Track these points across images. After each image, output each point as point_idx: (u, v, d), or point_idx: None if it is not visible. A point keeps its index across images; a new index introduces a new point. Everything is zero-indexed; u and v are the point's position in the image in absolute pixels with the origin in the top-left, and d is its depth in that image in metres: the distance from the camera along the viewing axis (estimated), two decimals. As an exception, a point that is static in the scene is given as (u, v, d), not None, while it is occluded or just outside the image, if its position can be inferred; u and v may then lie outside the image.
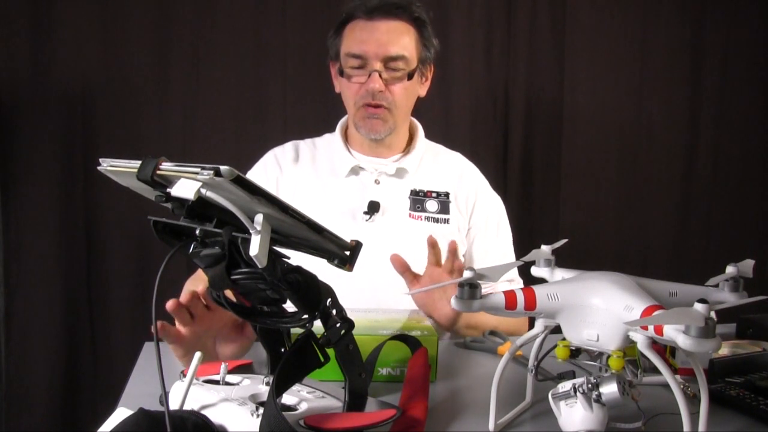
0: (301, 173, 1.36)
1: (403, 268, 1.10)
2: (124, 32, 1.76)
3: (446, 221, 1.33)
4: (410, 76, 1.28)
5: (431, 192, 1.34)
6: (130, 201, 1.57)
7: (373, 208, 1.29)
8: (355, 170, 1.34)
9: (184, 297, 0.83)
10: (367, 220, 1.29)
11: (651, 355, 0.64)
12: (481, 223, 1.37)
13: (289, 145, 1.41)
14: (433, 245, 1.09)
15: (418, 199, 1.33)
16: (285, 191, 1.34)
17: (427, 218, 1.32)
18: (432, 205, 1.33)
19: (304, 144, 1.42)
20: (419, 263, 1.17)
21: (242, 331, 0.92)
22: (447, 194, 1.35)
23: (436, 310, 1.11)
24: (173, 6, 1.78)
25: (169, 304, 0.81)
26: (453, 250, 1.08)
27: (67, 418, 1.79)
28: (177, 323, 0.84)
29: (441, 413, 0.80)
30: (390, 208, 1.31)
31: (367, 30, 1.25)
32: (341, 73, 1.29)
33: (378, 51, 1.24)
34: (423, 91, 1.36)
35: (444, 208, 1.34)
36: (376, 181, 1.34)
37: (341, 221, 1.27)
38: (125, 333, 1.79)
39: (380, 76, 1.24)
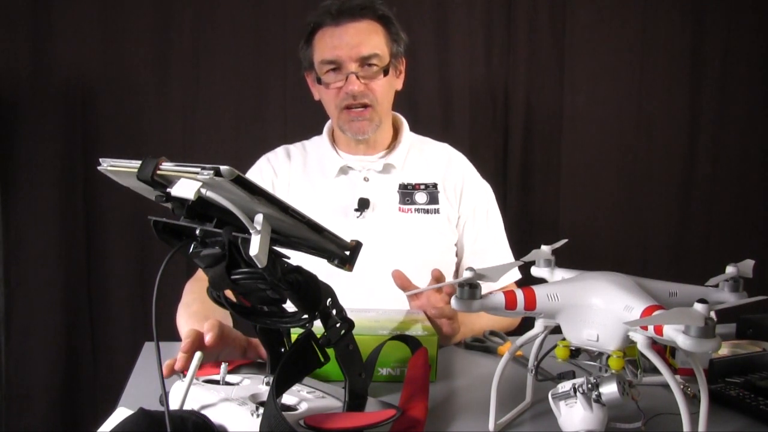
0: (294, 176, 1.40)
1: (404, 284, 1.08)
2: (124, 32, 1.76)
3: (436, 211, 1.35)
4: (386, 72, 1.31)
5: (419, 184, 1.37)
6: (130, 201, 1.58)
7: (364, 204, 1.32)
8: (344, 170, 1.37)
9: (185, 345, 0.81)
10: (358, 217, 1.32)
11: (651, 355, 0.64)
12: (469, 210, 1.39)
13: (280, 150, 1.45)
14: (437, 279, 1.07)
15: (406, 193, 1.35)
16: (280, 193, 1.36)
17: (417, 210, 1.35)
18: (421, 197, 1.35)
19: (295, 148, 1.46)
20: (411, 255, 1.27)
21: (245, 356, 0.91)
22: (435, 185, 1.37)
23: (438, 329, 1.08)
24: (173, 6, 1.78)
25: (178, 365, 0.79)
26: (437, 278, 1.07)
27: (67, 418, 1.79)
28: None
29: (441, 413, 0.80)
30: (380, 203, 1.34)
31: (337, 35, 1.28)
32: (318, 81, 1.32)
33: (351, 53, 1.27)
34: (399, 84, 1.39)
35: (433, 199, 1.36)
36: (365, 179, 1.36)
37: (334, 219, 1.29)
38: (125, 333, 1.79)
39: (357, 76, 1.27)
